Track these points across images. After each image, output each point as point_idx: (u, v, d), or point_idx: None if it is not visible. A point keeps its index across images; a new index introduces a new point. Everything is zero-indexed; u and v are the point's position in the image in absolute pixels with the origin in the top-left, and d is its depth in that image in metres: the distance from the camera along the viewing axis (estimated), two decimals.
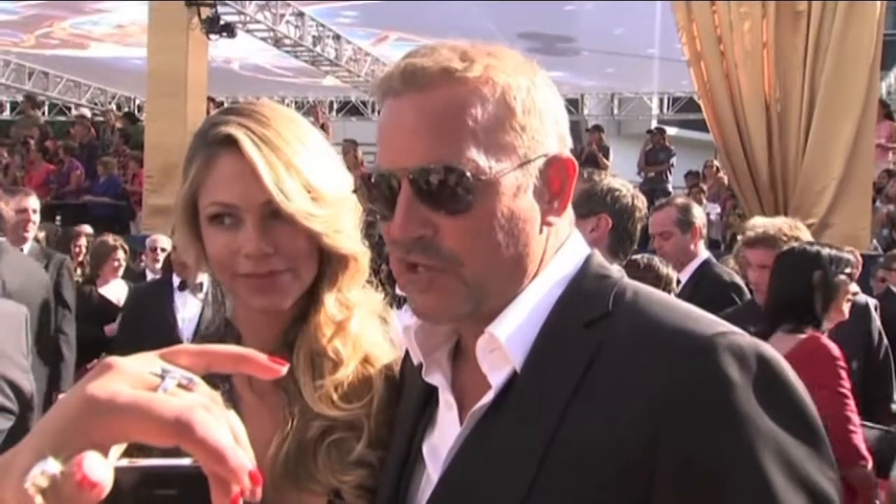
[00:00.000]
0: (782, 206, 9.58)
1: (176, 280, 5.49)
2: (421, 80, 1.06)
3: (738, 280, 4.33)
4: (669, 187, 13.94)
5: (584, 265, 1.13)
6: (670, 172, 14.56)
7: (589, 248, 1.17)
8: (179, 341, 5.15)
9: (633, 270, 3.66)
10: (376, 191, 1.09)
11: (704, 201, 11.65)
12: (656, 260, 3.81)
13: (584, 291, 1.10)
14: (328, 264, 1.37)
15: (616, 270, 1.16)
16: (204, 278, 5.28)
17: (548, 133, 1.09)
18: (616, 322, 1.05)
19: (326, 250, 1.34)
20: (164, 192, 11.28)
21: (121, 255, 6.72)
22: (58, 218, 13.10)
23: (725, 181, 12.19)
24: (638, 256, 3.85)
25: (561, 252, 1.13)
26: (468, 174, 1.03)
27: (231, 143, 1.29)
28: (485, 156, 1.04)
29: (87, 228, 8.76)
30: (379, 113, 1.15)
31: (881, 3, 9.45)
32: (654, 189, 13.32)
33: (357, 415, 1.33)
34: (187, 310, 5.34)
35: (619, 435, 0.96)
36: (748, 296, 4.26)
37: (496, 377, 1.08)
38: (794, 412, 0.97)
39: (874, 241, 10.11)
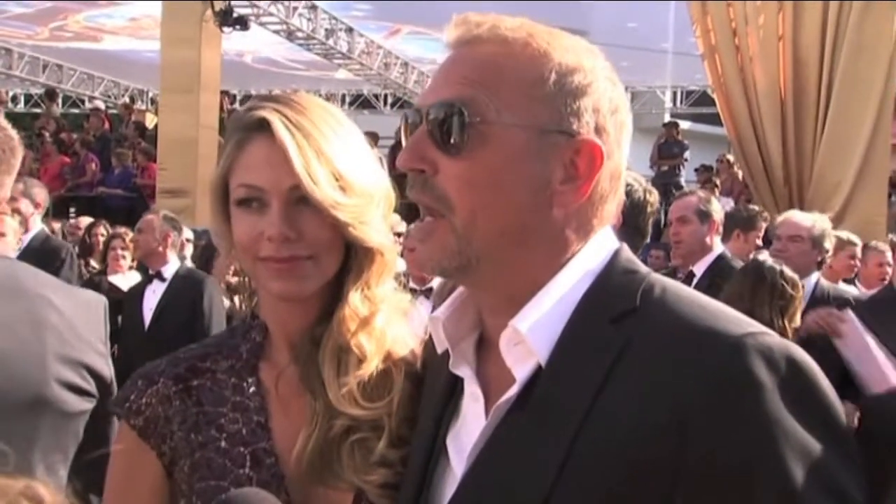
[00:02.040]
0: (797, 200, 9.53)
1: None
2: (467, 34, 1.11)
3: None
4: (682, 181, 13.89)
5: (612, 259, 1.12)
6: (683, 166, 14.50)
7: (618, 241, 1.15)
8: (142, 333, 5.26)
9: (767, 289, 3.51)
10: (409, 130, 1.13)
11: (718, 195, 11.60)
12: (788, 272, 3.63)
13: (611, 286, 1.09)
14: (354, 257, 1.35)
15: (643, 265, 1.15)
16: (167, 268, 5.43)
17: (581, 116, 1.08)
18: (644, 318, 1.03)
19: (352, 242, 1.33)
20: (176, 184, 11.33)
21: (119, 245, 6.70)
22: (72, 210, 13.17)
23: (739, 175, 12.13)
24: (766, 260, 3.68)
25: (588, 245, 1.12)
26: (470, 115, 1.05)
27: (264, 126, 1.29)
28: (495, 106, 1.06)
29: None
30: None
31: None
32: (666, 183, 13.27)
33: (379, 414, 1.32)
34: (153, 298, 5.48)
35: (645, 432, 0.96)
36: None
37: (521, 371, 1.07)
38: (821, 415, 0.96)
39: (890, 236, 10.05)
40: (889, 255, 6.13)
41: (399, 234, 4.79)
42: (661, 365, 0.98)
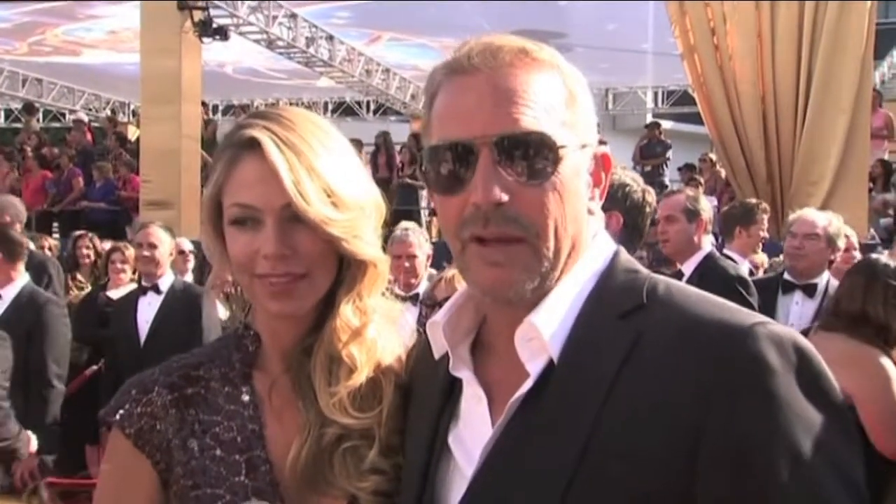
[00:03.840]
0: (779, 196, 9.60)
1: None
2: (500, 58, 1.11)
3: (744, 273, 4.33)
4: (666, 181, 13.95)
5: (613, 260, 1.17)
6: (666, 165, 14.56)
7: (615, 244, 1.21)
8: (137, 346, 5.21)
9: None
10: (447, 164, 1.11)
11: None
12: None
13: (615, 285, 1.14)
14: (347, 270, 1.37)
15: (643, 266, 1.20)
16: (163, 280, 5.36)
17: (591, 124, 1.16)
18: (652, 313, 1.08)
19: (345, 255, 1.35)
20: (160, 195, 11.27)
21: (119, 258, 6.67)
22: (55, 225, 13.06)
23: (722, 174, 12.20)
24: (878, 258, 3.52)
25: (593, 246, 1.18)
26: (549, 142, 1.08)
27: (254, 145, 1.30)
28: (556, 130, 1.09)
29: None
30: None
31: None
32: (650, 183, 13.29)
33: (369, 423, 1.34)
34: (148, 311, 5.40)
35: (662, 421, 0.99)
36: (753, 289, 4.27)
37: (533, 366, 1.10)
38: (828, 399, 1.01)
39: (871, 230, 10.14)
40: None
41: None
42: (675, 356, 1.02)
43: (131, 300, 5.52)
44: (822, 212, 5.11)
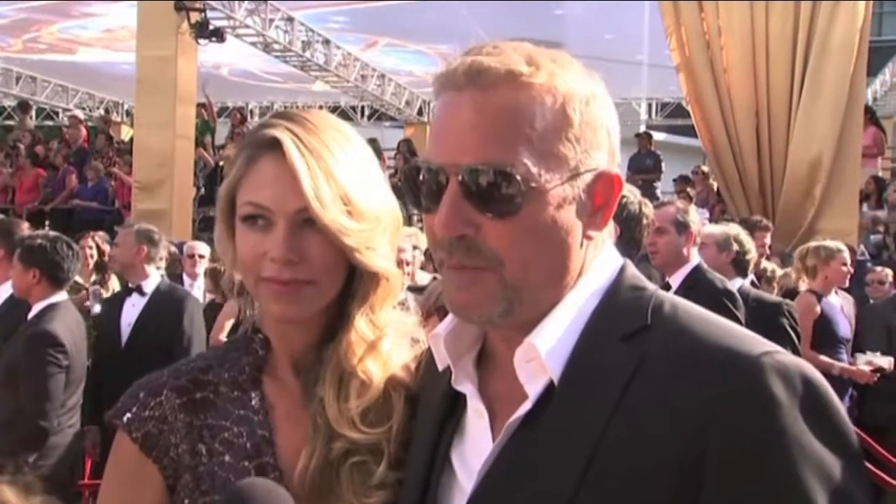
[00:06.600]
0: (770, 210, 9.64)
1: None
2: (485, 79, 1.05)
3: (731, 287, 4.33)
4: (658, 192, 13.97)
5: (619, 277, 1.13)
6: (659, 179, 14.59)
7: (621, 258, 1.18)
8: (118, 347, 5.15)
9: None
10: (424, 184, 1.09)
11: (693, 206, 11.65)
12: None
13: (620, 304, 1.10)
14: (359, 281, 1.35)
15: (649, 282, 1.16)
16: (147, 282, 5.33)
17: (600, 147, 1.09)
18: (656, 336, 1.04)
19: (357, 266, 1.33)
20: (152, 197, 11.24)
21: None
22: (47, 223, 13.02)
23: (714, 186, 12.23)
24: None
25: (595, 262, 1.13)
26: (519, 179, 1.03)
27: (275, 145, 1.28)
28: (537, 163, 1.04)
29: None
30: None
31: (865, 8, 9.54)
32: (643, 195, 13.30)
33: (378, 438, 1.32)
34: (132, 313, 5.36)
35: (663, 451, 0.97)
36: (741, 302, 4.28)
37: (533, 388, 1.07)
38: (836, 433, 0.98)
39: (862, 246, 10.18)
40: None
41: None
42: (679, 384, 0.99)
43: (117, 301, 5.50)
44: (717, 225, 5.60)
